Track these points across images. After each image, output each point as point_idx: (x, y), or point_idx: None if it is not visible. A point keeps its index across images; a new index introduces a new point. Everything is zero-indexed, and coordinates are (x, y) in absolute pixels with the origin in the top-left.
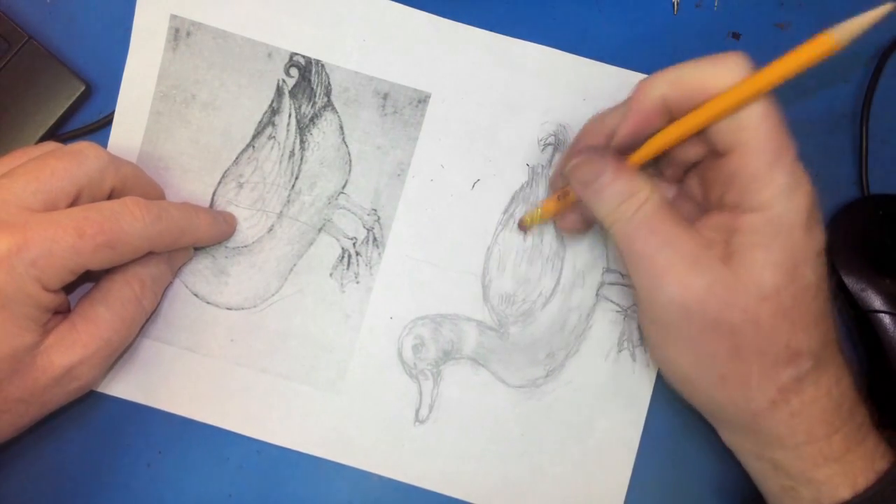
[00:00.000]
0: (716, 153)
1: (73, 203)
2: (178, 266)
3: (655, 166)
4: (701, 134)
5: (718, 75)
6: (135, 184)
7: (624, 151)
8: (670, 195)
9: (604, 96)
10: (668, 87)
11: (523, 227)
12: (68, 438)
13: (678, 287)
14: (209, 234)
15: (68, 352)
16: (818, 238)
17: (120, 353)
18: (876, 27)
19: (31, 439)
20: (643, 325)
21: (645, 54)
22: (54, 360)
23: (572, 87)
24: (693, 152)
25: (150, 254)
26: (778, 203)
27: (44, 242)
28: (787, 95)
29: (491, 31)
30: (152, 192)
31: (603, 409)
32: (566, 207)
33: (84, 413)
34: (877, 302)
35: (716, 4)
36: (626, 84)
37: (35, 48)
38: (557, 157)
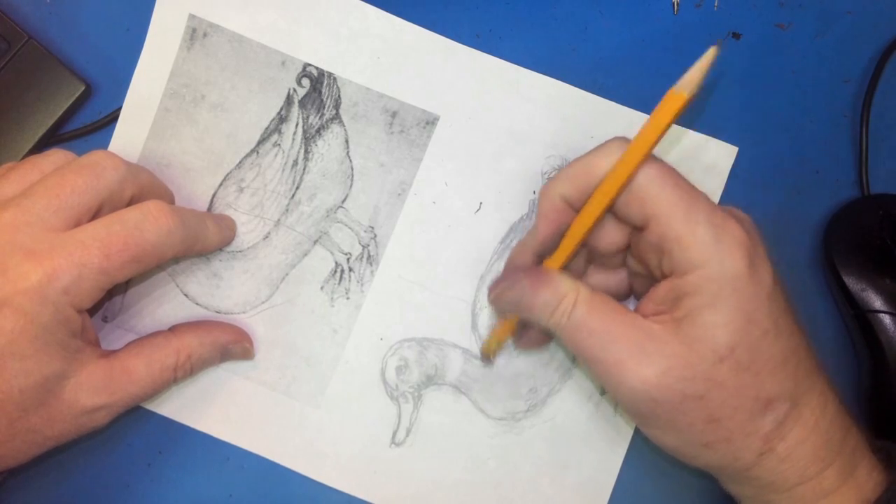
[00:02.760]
0: (637, 229)
1: (96, 216)
2: (231, 360)
3: (598, 262)
4: (616, 218)
5: (601, 161)
6: (150, 190)
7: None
8: (617, 281)
9: (612, 135)
10: (564, 185)
11: (486, 357)
12: None
13: (636, 379)
14: (216, 241)
15: (95, 395)
16: (764, 277)
17: None
18: (876, 27)
19: None
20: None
21: (645, 54)
22: (81, 397)
23: (580, 123)
24: (618, 236)
25: (210, 334)
26: (709, 256)
27: (73, 269)
28: (787, 95)
29: (490, 31)
30: (165, 197)
31: (580, 451)
32: (516, 327)
33: None
34: (877, 302)
35: (716, 4)
36: (635, 125)
37: (35, 48)
38: None
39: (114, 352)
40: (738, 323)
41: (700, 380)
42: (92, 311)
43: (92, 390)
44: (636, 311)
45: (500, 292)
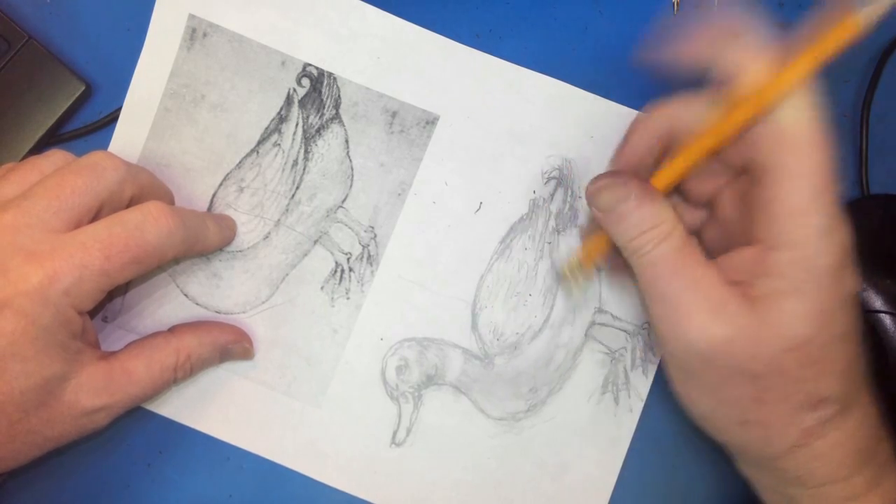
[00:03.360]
0: (750, 173)
1: (96, 217)
2: (230, 360)
3: (678, 189)
4: (734, 149)
5: (746, 62)
6: (150, 190)
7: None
8: (696, 221)
9: (613, 135)
10: (665, 123)
11: (565, 279)
12: None
13: (701, 334)
14: (216, 241)
15: (96, 396)
16: (850, 283)
17: None
18: (876, 27)
19: None
20: (663, 360)
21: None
22: (81, 399)
23: (581, 123)
24: (721, 174)
25: (210, 334)
26: (811, 245)
27: (74, 270)
28: None
29: (490, 31)
30: (165, 198)
31: (581, 450)
32: (602, 247)
33: None
34: (877, 302)
35: (716, 4)
36: None
37: (35, 48)
38: (560, 191)
39: (113, 353)
40: (817, 318)
41: (763, 360)
42: (92, 313)
43: (92, 391)
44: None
45: (603, 186)
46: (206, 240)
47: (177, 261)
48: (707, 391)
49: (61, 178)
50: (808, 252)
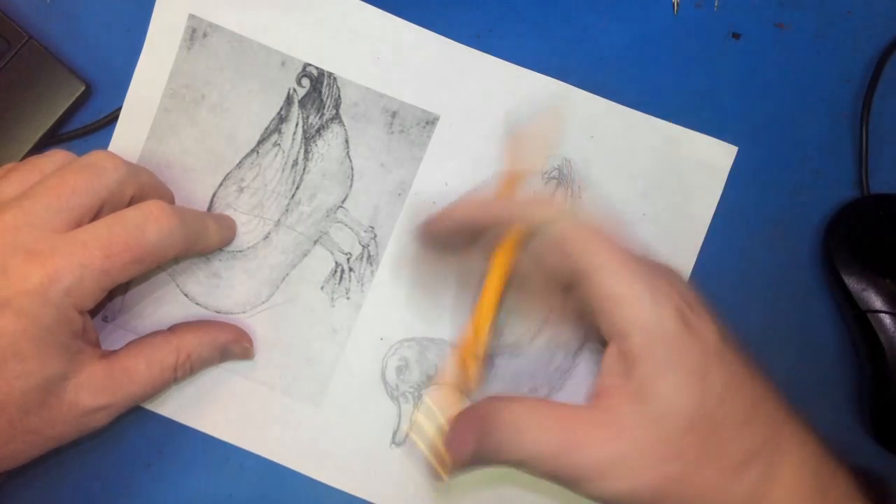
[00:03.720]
0: (572, 285)
1: (97, 216)
2: (230, 359)
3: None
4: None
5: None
6: (150, 190)
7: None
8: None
9: (612, 135)
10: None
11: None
12: None
13: (619, 481)
14: (217, 241)
15: (96, 395)
16: (705, 334)
17: None
18: (876, 27)
19: None
20: None
21: (645, 54)
22: (81, 398)
23: (581, 122)
24: (551, 298)
25: (209, 333)
26: (649, 316)
27: (74, 270)
28: (787, 95)
29: (490, 31)
30: (166, 197)
31: None
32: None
33: None
34: (877, 302)
35: (716, 4)
36: (635, 125)
37: (35, 48)
38: (560, 191)
39: (113, 352)
40: (695, 388)
41: (672, 459)
42: (93, 312)
43: (93, 391)
44: (595, 391)
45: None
46: (206, 239)
47: (177, 260)
48: None
49: (62, 177)
50: (651, 324)
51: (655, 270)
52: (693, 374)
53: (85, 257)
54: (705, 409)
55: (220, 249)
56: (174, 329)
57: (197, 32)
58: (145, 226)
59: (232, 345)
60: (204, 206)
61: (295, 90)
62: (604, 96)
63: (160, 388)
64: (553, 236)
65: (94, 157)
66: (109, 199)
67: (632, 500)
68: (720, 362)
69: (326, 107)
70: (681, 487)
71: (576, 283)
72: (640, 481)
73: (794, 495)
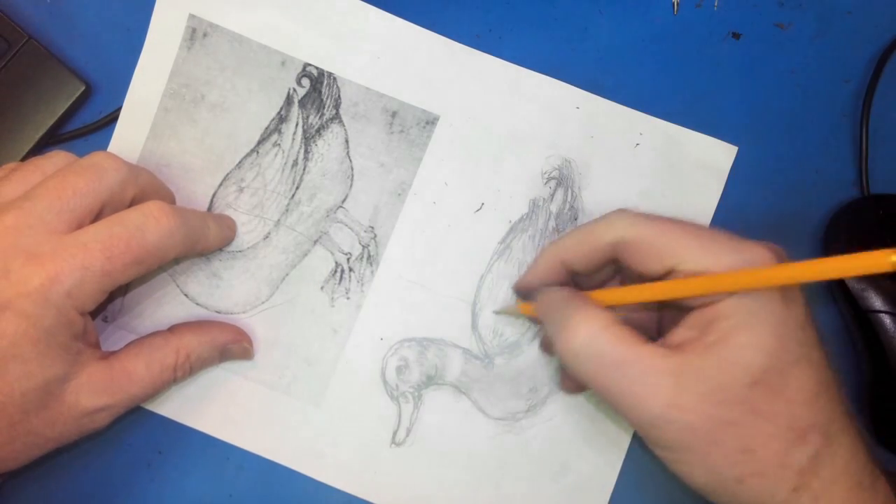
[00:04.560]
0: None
1: (97, 217)
2: (230, 359)
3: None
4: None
5: (604, 232)
6: (151, 190)
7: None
8: (648, 318)
9: (612, 135)
10: (566, 252)
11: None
12: None
13: (667, 407)
14: (217, 241)
15: (96, 396)
16: (797, 305)
17: None
18: (876, 27)
19: None
20: (650, 449)
21: (645, 54)
22: (82, 399)
23: (581, 123)
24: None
25: (209, 333)
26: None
27: (75, 271)
28: (787, 95)
29: (490, 31)
30: (166, 198)
31: (580, 451)
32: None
33: None
34: (877, 302)
35: (716, 4)
36: (635, 125)
37: (35, 48)
38: (560, 191)
39: (113, 353)
40: (772, 346)
41: (734, 404)
42: (93, 313)
43: (93, 392)
44: (665, 340)
45: (547, 300)
46: (206, 240)
47: (177, 261)
48: (697, 460)
49: (63, 178)
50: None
51: (747, 240)
52: (773, 335)
53: (86, 259)
54: (776, 369)
55: (221, 249)
56: (174, 329)
57: (197, 32)
58: (146, 227)
59: (232, 345)
60: (204, 206)
61: (295, 90)
62: (604, 96)
63: (160, 388)
64: (632, 243)
65: (95, 158)
66: (110, 201)
67: (683, 433)
68: (801, 336)
69: (326, 107)
70: (738, 434)
71: (670, 274)
72: (696, 416)
73: (842, 480)
